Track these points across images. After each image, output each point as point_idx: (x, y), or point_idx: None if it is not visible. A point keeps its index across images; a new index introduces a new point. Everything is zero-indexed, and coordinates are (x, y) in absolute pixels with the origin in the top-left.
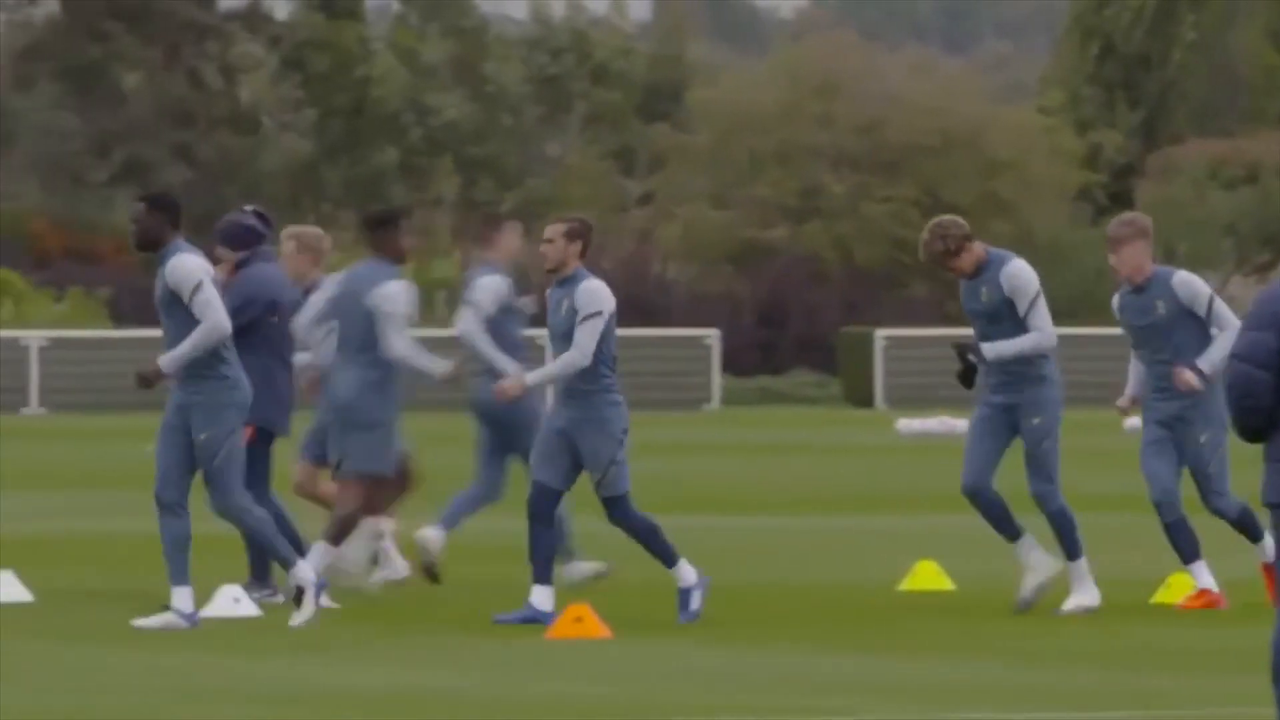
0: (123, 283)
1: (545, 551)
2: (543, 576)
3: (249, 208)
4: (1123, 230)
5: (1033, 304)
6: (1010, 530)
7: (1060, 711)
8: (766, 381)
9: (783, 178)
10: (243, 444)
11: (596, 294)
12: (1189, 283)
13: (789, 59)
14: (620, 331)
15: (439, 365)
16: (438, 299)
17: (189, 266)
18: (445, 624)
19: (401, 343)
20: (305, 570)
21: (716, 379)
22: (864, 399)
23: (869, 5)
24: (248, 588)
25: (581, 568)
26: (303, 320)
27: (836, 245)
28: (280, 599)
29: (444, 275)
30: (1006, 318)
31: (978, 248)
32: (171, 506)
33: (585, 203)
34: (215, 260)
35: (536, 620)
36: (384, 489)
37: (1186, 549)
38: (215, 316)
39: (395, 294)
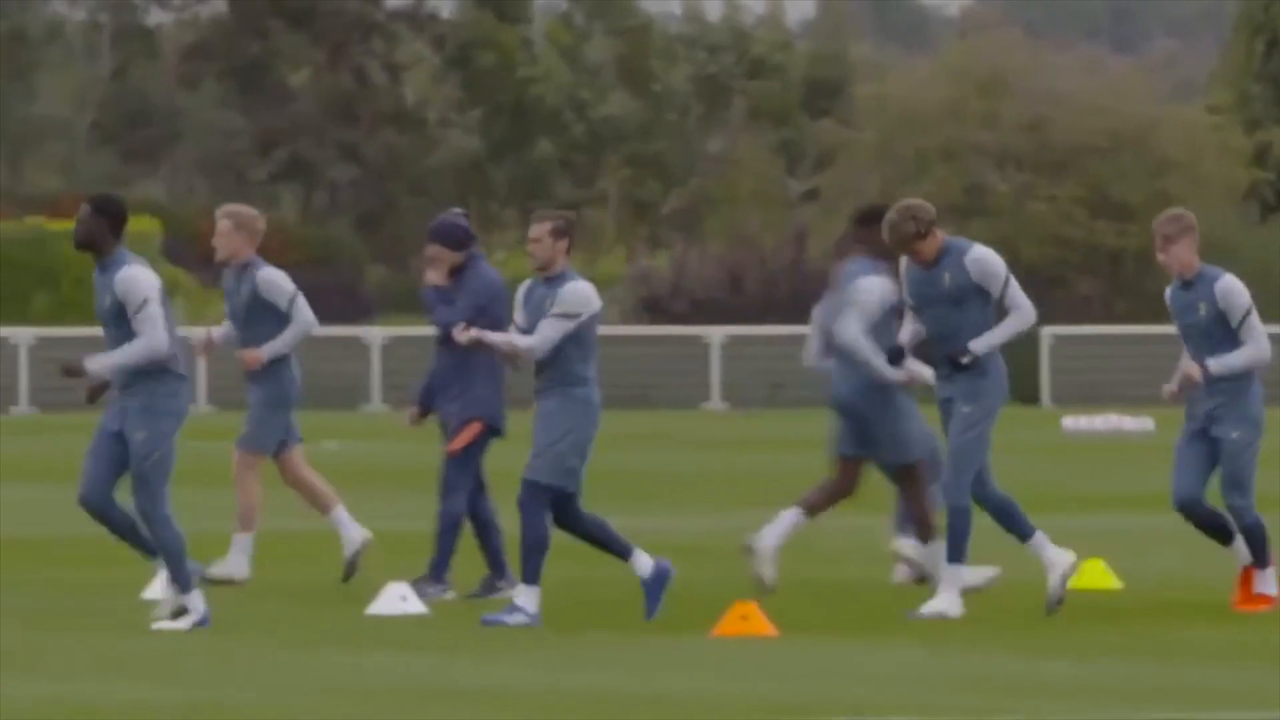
0: None
1: (613, 542)
2: (626, 552)
3: (456, 210)
4: (1172, 227)
5: (1006, 285)
6: (1021, 529)
7: (1248, 711)
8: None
9: (948, 175)
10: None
11: (581, 295)
12: (1230, 293)
13: (955, 57)
14: (783, 328)
15: (886, 368)
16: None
17: (140, 280)
18: (604, 622)
19: (853, 330)
20: (196, 599)
21: None
22: (1030, 396)
23: (1036, 3)
24: (419, 584)
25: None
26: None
27: (1001, 244)
28: (452, 596)
29: (609, 272)
30: (972, 302)
31: (940, 235)
32: (98, 509)
33: (750, 199)
34: (427, 259)
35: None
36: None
37: (1255, 547)
38: (156, 337)
39: (868, 286)
